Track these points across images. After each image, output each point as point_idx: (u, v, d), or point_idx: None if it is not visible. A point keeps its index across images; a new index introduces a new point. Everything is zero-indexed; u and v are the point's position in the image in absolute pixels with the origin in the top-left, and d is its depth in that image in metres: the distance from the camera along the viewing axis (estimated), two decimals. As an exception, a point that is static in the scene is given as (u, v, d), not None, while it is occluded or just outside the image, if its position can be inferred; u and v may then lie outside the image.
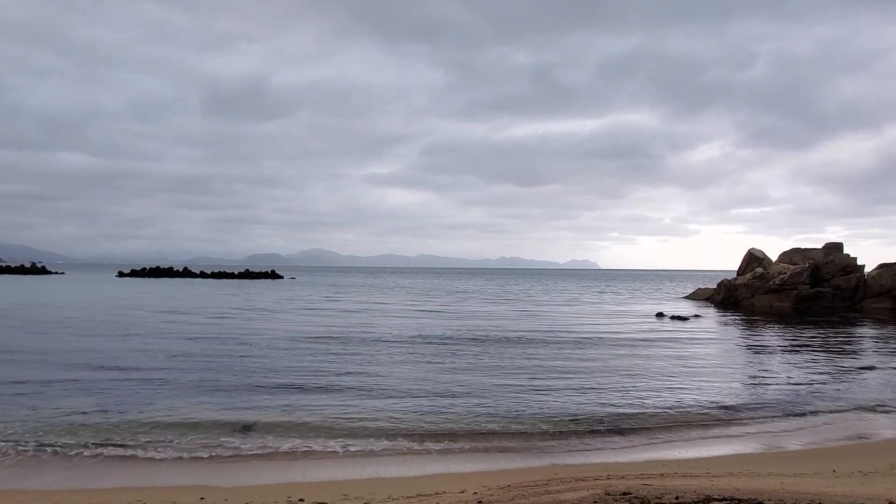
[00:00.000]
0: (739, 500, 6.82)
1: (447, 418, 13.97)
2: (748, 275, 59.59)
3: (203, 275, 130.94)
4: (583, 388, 17.57)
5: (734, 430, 13.75)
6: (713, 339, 31.67)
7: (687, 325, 39.12)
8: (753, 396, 16.95)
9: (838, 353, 26.09)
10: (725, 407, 15.60)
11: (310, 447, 11.74)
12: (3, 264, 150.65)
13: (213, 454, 11.20)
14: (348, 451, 11.59)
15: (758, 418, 14.68)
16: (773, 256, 61.51)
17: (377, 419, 13.74)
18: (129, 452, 11.23)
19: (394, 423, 13.51)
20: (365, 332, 31.18)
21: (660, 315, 45.35)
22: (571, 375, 19.47)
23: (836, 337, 32.15)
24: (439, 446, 11.99)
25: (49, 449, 11.28)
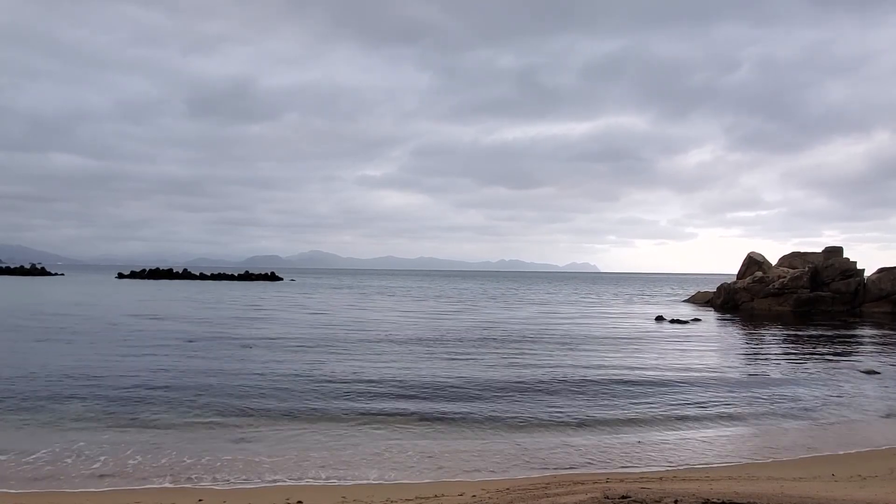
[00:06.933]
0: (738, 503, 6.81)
1: (445, 421, 13.97)
2: (748, 278, 59.57)
3: (203, 276, 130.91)
4: (582, 391, 17.57)
5: (734, 433, 13.75)
6: (713, 342, 31.65)
7: (687, 328, 39.09)
8: (753, 400, 16.93)
9: (838, 356, 26.07)
10: (725, 411, 15.60)
11: (308, 450, 11.72)
12: (3, 265, 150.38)
13: (212, 457, 11.18)
14: (347, 454, 11.57)
15: (757, 422, 14.67)
16: (772, 260, 61.61)
17: (375, 422, 13.74)
18: (128, 455, 11.22)
19: (392, 425, 13.51)
20: (364, 335, 31.16)
21: (659, 318, 45.32)
22: (570, 378, 19.44)
23: (836, 340, 32.12)
24: (438, 449, 11.97)
25: (47, 452, 11.27)
